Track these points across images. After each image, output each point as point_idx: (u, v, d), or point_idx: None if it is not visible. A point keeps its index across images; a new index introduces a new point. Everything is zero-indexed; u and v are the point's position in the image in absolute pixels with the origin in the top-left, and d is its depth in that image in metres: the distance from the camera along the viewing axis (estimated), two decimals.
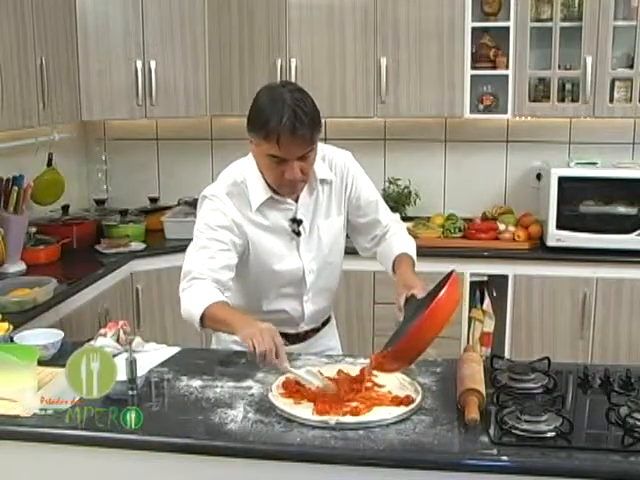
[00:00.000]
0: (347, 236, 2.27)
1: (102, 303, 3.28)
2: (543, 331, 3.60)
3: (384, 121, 4.09)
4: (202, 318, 1.94)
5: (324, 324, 2.30)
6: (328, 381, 1.82)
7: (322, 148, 2.13)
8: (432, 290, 1.87)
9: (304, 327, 2.23)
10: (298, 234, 2.12)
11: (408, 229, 3.69)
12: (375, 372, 1.84)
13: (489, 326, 3.69)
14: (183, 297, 2.01)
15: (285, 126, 1.89)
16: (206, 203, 2.09)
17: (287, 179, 1.98)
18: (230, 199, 2.06)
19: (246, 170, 2.09)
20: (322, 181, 2.12)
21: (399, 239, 2.23)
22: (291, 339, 2.17)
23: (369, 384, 1.82)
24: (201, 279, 1.99)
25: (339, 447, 1.57)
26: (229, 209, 2.05)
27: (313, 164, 2.03)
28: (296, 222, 2.11)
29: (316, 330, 2.27)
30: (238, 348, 2.18)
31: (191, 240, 2.13)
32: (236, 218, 2.05)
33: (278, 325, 1.89)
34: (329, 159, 2.15)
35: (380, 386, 1.82)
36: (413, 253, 2.19)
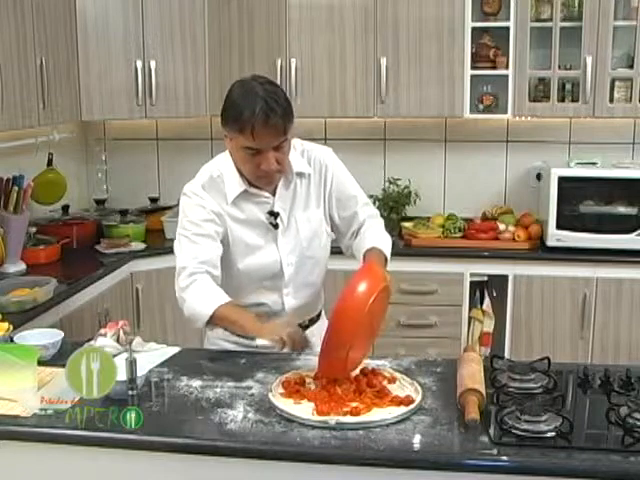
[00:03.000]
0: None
1: (102, 303, 3.28)
2: (543, 331, 3.60)
3: (384, 121, 4.08)
4: (210, 317, 2.02)
5: (311, 321, 2.29)
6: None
7: (302, 143, 2.20)
8: None
9: None
10: (275, 227, 2.15)
11: (408, 229, 3.76)
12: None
13: (489, 326, 3.69)
14: (187, 295, 2.06)
15: (258, 116, 1.94)
16: (184, 200, 2.15)
17: (263, 170, 2.03)
18: (207, 192, 2.12)
19: (223, 165, 2.15)
20: (299, 174, 2.17)
21: (372, 233, 2.25)
22: None
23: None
24: (199, 273, 2.06)
25: (339, 447, 1.57)
26: (207, 202, 2.11)
27: (288, 155, 2.08)
28: (273, 215, 2.14)
29: (302, 327, 2.25)
30: (230, 347, 2.19)
31: None
32: (214, 209, 2.11)
33: None
34: (308, 154, 2.20)
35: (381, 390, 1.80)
36: (385, 247, 2.21)
